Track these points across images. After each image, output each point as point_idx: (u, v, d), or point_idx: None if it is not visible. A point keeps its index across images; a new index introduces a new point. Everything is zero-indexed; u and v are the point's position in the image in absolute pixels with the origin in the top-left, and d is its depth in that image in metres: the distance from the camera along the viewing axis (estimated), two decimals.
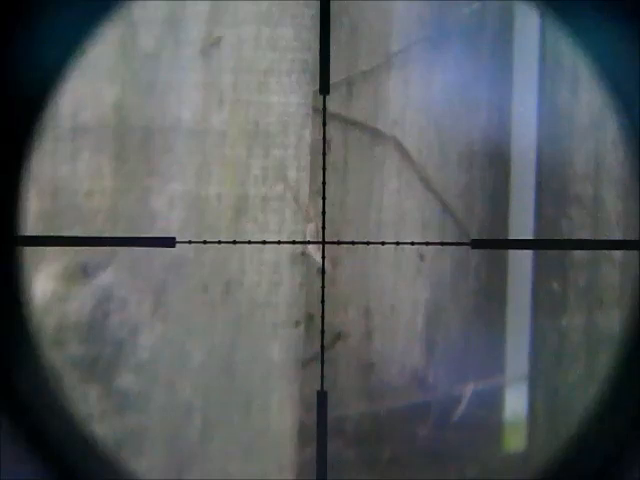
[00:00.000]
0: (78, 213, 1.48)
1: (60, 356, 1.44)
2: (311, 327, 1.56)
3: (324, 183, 1.37)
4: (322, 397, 1.19)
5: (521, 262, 1.74)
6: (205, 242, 1.49)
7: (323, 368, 1.24)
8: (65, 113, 1.45)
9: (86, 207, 1.48)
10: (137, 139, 1.49)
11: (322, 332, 1.34)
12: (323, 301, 1.36)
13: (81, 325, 1.46)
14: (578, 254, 1.68)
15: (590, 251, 1.66)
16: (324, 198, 1.35)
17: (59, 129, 1.45)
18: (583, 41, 1.01)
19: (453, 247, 1.67)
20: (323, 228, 1.37)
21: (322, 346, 1.33)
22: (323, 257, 1.50)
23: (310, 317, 1.57)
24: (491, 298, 1.76)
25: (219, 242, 1.52)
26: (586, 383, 1.67)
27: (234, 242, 1.53)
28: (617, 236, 1.63)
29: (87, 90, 1.45)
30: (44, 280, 1.44)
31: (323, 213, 1.34)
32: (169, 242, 1.27)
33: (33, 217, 1.44)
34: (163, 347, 1.51)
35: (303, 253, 1.56)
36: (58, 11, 1.07)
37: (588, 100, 1.69)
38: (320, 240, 1.43)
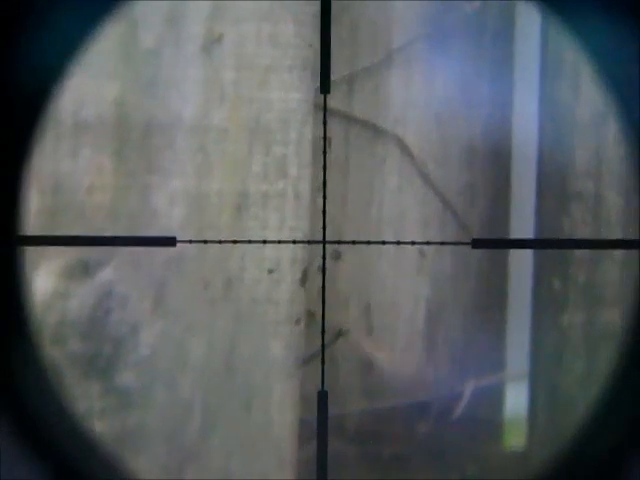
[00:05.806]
0: (79, 211, 1.47)
1: (60, 353, 1.44)
2: (312, 325, 1.56)
3: (325, 183, 1.37)
4: (323, 397, 1.19)
5: (522, 259, 1.74)
6: (206, 242, 1.49)
7: (324, 368, 1.24)
8: (66, 110, 1.45)
9: (87, 205, 1.48)
10: (138, 136, 1.49)
11: (322, 331, 1.34)
12: (324, 300, 1.36)
13: (82, 322, 1.46)
14: (579, 251, 1.68)
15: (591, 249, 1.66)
16: (325, 197, 1.35)
17: (60, 126, 1.45)
18: (584, 39, 1.01)
19: (454, 246, 1.67)
20: (324, 228, 1.36)
21: (323, 345, 1.33)
22: (324, 257, 1.50)
23: (311, 315, 1.57)
24: (492, 295, 1.76)
25: (220, 242, 1.51)
26: (587, 382, 1.67)
27: (234, 242, 1.53)
28: (617, 235, 1.63)
29: (88, 87, 1.45)
30: (45, 277, 1.44)
31: (324, 212, 1.33)
32: (170, 242, 1.27)
33: (34, 215, 1.44)
34: (163, 344, 1.52)
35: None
36: (59, 9, 1.07)
37: (589, 97, 1.69)
38: (321, 240, 1.43)
